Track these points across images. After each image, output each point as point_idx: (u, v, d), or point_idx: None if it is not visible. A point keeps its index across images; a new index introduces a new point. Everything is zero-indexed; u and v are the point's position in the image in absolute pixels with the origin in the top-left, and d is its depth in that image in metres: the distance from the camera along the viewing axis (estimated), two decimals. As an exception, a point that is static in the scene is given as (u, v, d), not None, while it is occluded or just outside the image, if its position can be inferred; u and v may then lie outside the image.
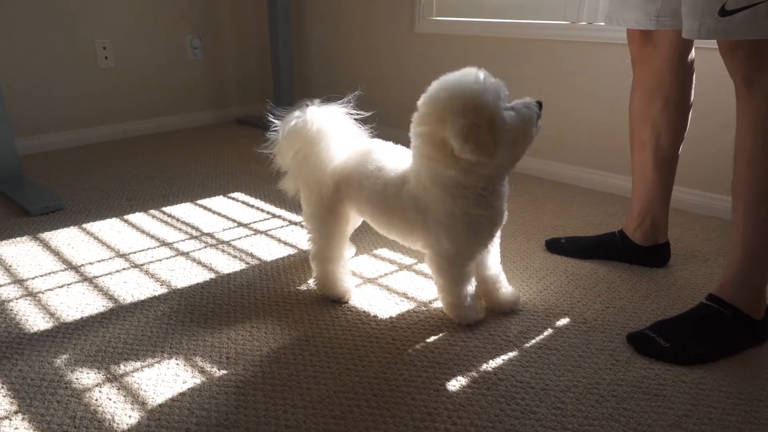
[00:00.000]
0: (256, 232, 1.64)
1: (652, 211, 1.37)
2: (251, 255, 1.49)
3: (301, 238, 1.60)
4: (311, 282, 1.33)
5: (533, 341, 1.12)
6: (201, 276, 1.37)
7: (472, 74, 0.98)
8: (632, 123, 1.34)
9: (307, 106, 1.17)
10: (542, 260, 1.47)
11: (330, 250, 1.24)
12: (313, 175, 1.18)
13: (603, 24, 1.90)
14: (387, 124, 2.66)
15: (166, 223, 1.69)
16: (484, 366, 1.04)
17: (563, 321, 1.19)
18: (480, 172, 1.01)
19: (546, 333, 1.15)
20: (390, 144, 1.20)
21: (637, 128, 1.33)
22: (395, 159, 1.15)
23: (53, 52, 2.38)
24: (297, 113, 1.17)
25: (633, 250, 1.41)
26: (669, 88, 1.25)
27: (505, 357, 1.07)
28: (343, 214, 1.24)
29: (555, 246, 1.52)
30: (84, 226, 1.66)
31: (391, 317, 1.20)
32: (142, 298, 1.27)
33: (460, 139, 0.94)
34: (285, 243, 1.57)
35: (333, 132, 1.17)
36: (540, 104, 1.03)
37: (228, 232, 1.63)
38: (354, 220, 1.30)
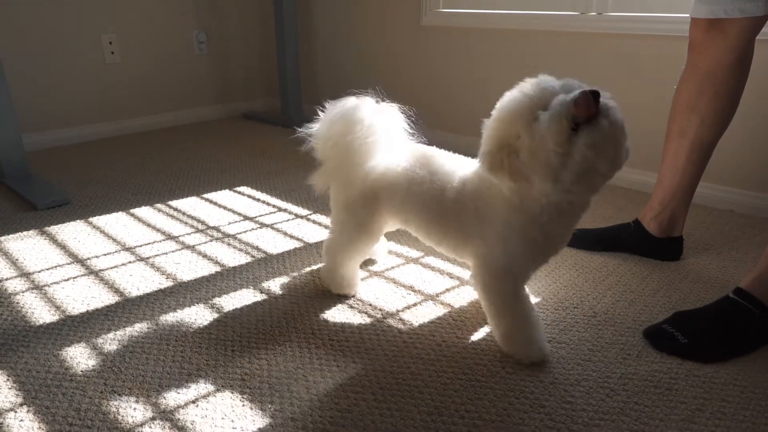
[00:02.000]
0: (262, 225, 1.63)
1: (673, 202, 1.34)
2: (257, 248, 1.48)
3: (306, 231, 1.59)
4: (316, 272, 1.32)
5: (542, 335, 1.10)
6: (207, 269, 1.36)
7: (508, 97, 0.89)
8: (675, 109, 1.30)
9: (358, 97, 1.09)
10: (551, 253, 1.45)
11: (348, 259, 1.19)
12: (346, 169, 1.09)
13: (612, 14, 1.87)
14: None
15: (172, 216, 1.69)
16: (492, 360, 1.03)
17: (573, 314, 1.17)
18: (531, 198, 0.90)
19: (555, 327, 1.13)
20: (439, 150, 1.10)
21: (680, 115, 1.29)
22: (449, 163, 1.05)
23: (60, 48, 2.39)
24: (348, 98, 1.08)
25: (646, 240, 1.39)
26: (724, 78, 1.21)
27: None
28: (377, 229, 1.15)
29: None
30: (90, 220, 1.66)
31: (397, 310, 1.19)
32: (148, 291, 1.26)
33: (488, 171, 0.89)
34: (291, 236, 1.56)
35: (379, 125, 1.06)
36: (596, 95, 0.81)
37: (234, 226, 1.62)
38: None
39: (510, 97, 0.88)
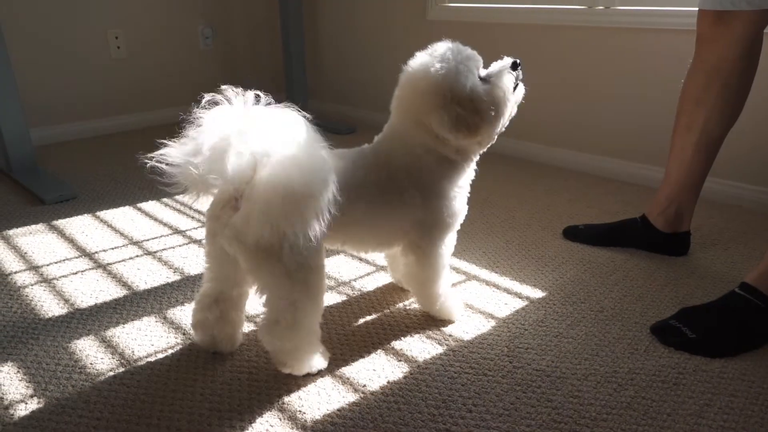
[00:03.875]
0: (269, 220, 1.63)
1: (680, 197, 1.33)
2: (264, 243, 1.48)
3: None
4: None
5: (549, 330, 1.10)
6: (214, 263, 1.37)
7: (444, 57, 0.97)
8: (682, 104, 1.29)
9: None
10: (557, 248, 1.44)
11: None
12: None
13: (620, 8, 1.86)
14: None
15: (178, 211, 1.69)
16: (500, 354, 1.03)
17: (580, 309, 1.17)
18: (470, 150, 1.02)
19: (562, 322, 1.13)
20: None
21: (687, 110, 1.28)
22: (347, 155, 1.00)
23: (66, 43, 2.39)
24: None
25: (653, 235, 1.38)
26: (731, 71, 1.19)
27: (520, 345, 1.05)
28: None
29: (573, 233, 1.49)
30: (97, 214, 1.67)
31: (404, 304, 1.19)
32: (156, 285, 1.27)
33: (453, 131, 0.94)
34: (297, 231, 1.56)
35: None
36: (515, 65, 1.02)
37: (240, 221, 1.62)
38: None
39: (449, 75, 0.95)
